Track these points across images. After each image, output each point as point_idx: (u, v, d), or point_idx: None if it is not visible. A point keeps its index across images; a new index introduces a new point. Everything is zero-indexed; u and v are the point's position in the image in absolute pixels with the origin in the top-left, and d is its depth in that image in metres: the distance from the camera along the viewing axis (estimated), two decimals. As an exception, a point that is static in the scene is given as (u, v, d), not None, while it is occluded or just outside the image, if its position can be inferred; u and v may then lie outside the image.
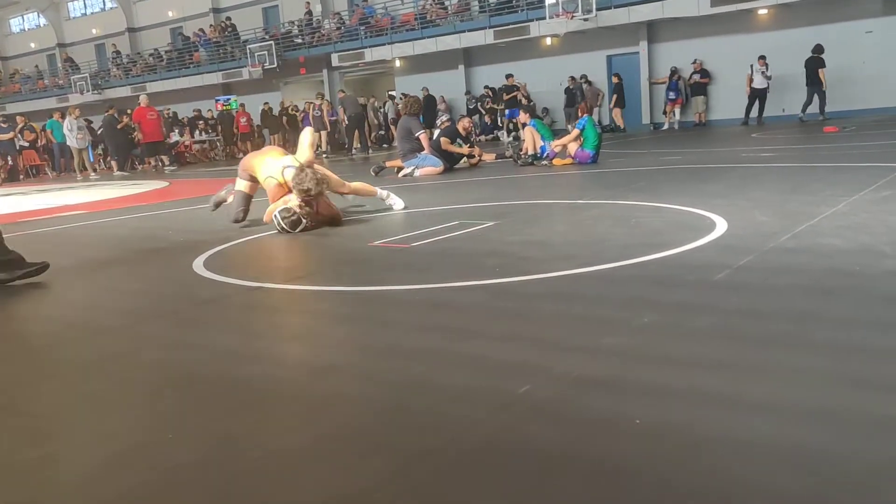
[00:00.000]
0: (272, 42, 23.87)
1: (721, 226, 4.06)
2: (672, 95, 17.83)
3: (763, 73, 15.94)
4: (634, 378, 2.01)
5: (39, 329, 3.17)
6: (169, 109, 23.27)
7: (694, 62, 17.51)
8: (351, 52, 22.70)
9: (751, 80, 16.13)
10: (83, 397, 2.29)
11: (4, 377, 2.56)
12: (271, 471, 1.64)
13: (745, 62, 16.22)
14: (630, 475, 1.50)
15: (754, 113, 16.28)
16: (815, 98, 15.29)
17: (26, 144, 19.75)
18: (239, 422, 1.95)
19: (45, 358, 2.72)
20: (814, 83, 15.19)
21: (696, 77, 17.51)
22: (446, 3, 21.76)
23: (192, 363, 2.51)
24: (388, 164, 10.58)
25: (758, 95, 16.15)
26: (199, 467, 1.70)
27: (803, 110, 15.41)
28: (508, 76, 19.20)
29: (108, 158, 19.76)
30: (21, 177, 19.30)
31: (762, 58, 15.90)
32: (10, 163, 19.14)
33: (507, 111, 18.65)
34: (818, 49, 15.13)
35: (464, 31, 20.41)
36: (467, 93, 21.39)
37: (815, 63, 15.09)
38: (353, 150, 17.53)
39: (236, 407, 2.06)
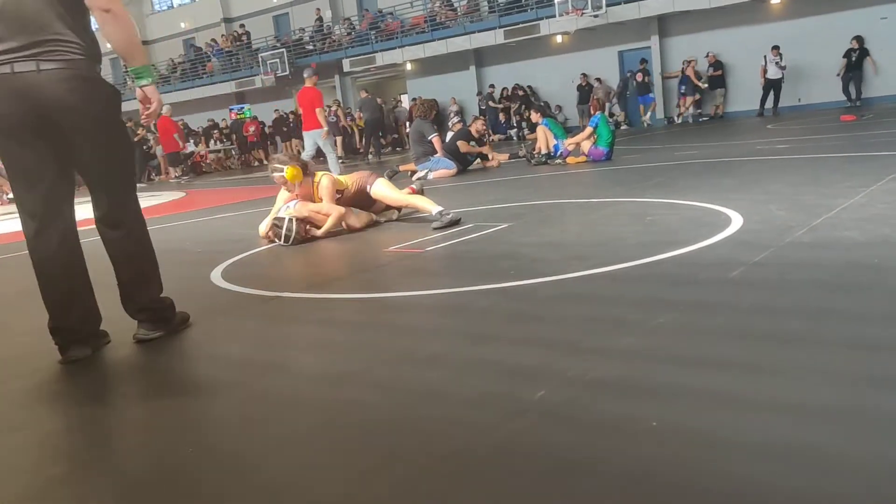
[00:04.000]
0: (284, 50, 24.03)
1: (737, 221, 4.03)
2: (684, 89, 17.73)
3: (777, 63, 15.81)
4: (650, 379, 2.00)
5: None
6: (182, 120, 23.47)
7: (707, 55, 17.38)
8: (362, 56, 22.79)
9: (765, 71, 16.01)
10: (102, 411, 2.32)
11: (25, 391, 2.60)
12: (287, 480, 1.65)
13: (758, 53, 16.10)
14: (646, 477, 1.49)
15: (770, 104, 16.16)
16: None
17: None
18: (256, 432, 1.97)
19: (60, 375, 2.75)
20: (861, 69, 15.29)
21: (710, 70, 17.38)
22: (455, 5, 21.79)
23: (210, 374, 2.54)
24: (401, 167, 10.61)
25: (772, 86, 16.04)
26: (217, 479, 1.72)
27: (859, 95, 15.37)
28: (643, 60, 18.42)
29: None
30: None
31: (776, 48, 15.78)
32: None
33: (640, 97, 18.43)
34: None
35: (474, 32, 20.44)
36: (479, 93, 21.40)
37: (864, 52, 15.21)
38: (370, 155, 17.61)
39: (254, 417, 2.08)
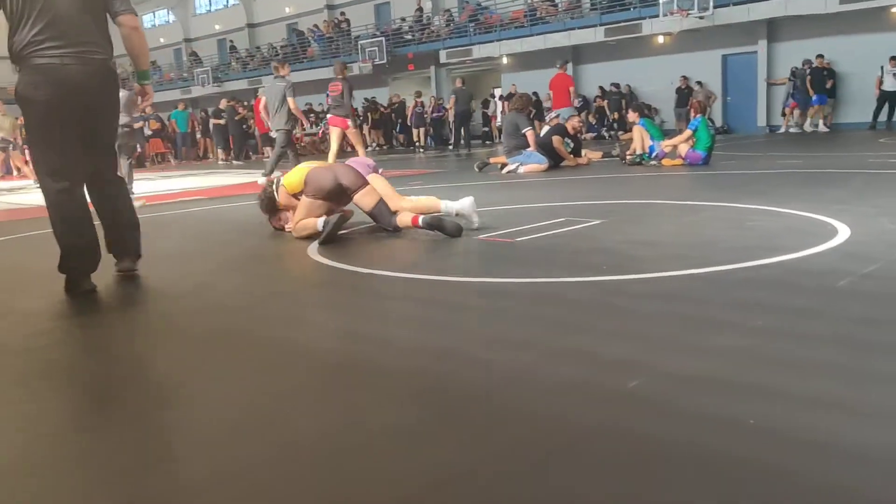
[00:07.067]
0: (382, 38, 24.37)
1: (843, 232, 3.88)
2: (791, 97, 17.00)
3: (894, 74, 14.98)
4: (746, 379, 1.97)
5: (163, 307, 3.40)
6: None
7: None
8: (459, 48, 22.90)
9: (880, 83, 15.20)
10: (206, 370, 2.45)
11: (135, 349, 2.78)
12: (379, 447, 1.71)
13: (874, 63, 15.29)
14: (739, 473, 1.48)
15: (883, 117, 15.34)
16: None
17: (151, 133, 21.12)
18: (351, 398, 2.05)
19: (169, 334, 2.92)
20: None
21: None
22: (557, 1, 21.60)
23: (306, 341, 2.64)
24: (491, 160, 10.63)
25: (887, 98, 15.21)
26: (315, 443, 1.78)
27: None
28: (819, 57, 16.52)
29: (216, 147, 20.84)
30: (147, 163, 20.66)
31: (894, 59, 14.95)
32: (138, 150, 20.51)
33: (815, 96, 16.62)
34: None
35: (573, 29, 20.20)
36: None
37: None
38: (460, 147, 17.71)
39: (348, 384, 2.16)
